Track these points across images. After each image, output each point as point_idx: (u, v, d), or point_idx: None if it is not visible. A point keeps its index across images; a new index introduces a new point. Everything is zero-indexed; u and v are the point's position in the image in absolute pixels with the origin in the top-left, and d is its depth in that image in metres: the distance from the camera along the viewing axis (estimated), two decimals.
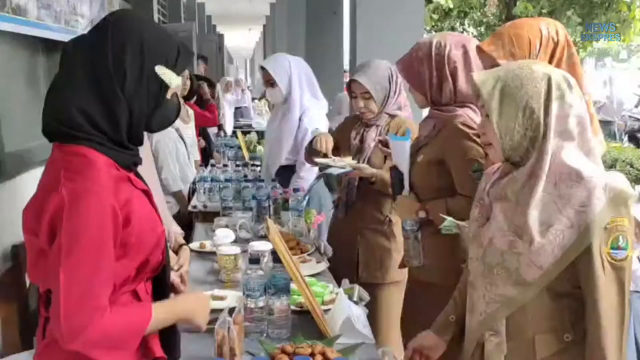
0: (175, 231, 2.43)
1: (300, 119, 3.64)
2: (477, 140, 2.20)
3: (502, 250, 1.55)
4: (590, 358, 1.49)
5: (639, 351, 3.51)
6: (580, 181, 1.47)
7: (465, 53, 2.32)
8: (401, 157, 2.39)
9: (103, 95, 1.40)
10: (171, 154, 4.08)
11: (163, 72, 1.46)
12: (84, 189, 1.35)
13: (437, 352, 1.86)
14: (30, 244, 1.44)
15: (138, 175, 1.55)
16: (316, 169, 3.57)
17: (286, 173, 3.66)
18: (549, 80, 1.52)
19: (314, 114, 3.68)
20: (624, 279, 1.46)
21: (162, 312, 1.47)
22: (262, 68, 3.70)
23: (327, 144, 3.03)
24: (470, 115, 2.28)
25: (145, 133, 1.58)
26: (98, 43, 1.42)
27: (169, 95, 1.51)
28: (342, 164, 2.79)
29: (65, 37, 3.22)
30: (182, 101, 4.17)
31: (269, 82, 3.65)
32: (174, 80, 1.49)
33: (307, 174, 3.64)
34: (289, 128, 3.64)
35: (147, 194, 1.53)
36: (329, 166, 2.81)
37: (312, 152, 3.12)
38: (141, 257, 1.46)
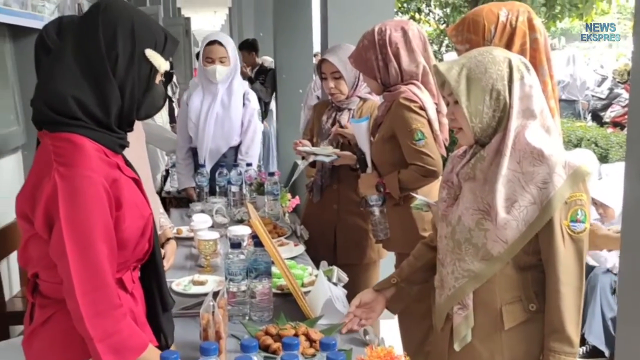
0: (164, 224, 2.42)
1: (245, 98, 3.55)
2: (420, 112, 2.42)
3: (470, 227, 1.64)
4: (550, 322, 1.58)
5: (604, 323, 3.66)
6: (542, 160, 1.56)
7: (405, 34, 2.50)
8: (361, 138, 2.59)
9: (95, 80, 1.43)
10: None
11: (153, 55, 1.49)
12: (76, 174, 1.37)
13: (377, 305, 1.96)
14: (23, 229, 1.46)
15: (128, 164, 1.57)
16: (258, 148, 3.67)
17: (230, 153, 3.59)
18: (510, 63, 1.63)
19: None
20: (582, 249, 1.57)
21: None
22: (220, 43, 3.44)
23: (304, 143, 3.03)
24: (414, 90, 2.46)
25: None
26: (89, 29, 1.45)
27: (157, 80, 1.54)
28: (327, 152, 2.81)
29: (32, 23, 3.15)
30: None
31: (221, 59, 3.42)
32: (163, 65, 1.52)
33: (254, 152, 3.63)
34: (238, 107, 3.53)
35: (137, 182, 1.54)
36: (315, 154, 2.82)
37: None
38: (130, 244, 1.47)
